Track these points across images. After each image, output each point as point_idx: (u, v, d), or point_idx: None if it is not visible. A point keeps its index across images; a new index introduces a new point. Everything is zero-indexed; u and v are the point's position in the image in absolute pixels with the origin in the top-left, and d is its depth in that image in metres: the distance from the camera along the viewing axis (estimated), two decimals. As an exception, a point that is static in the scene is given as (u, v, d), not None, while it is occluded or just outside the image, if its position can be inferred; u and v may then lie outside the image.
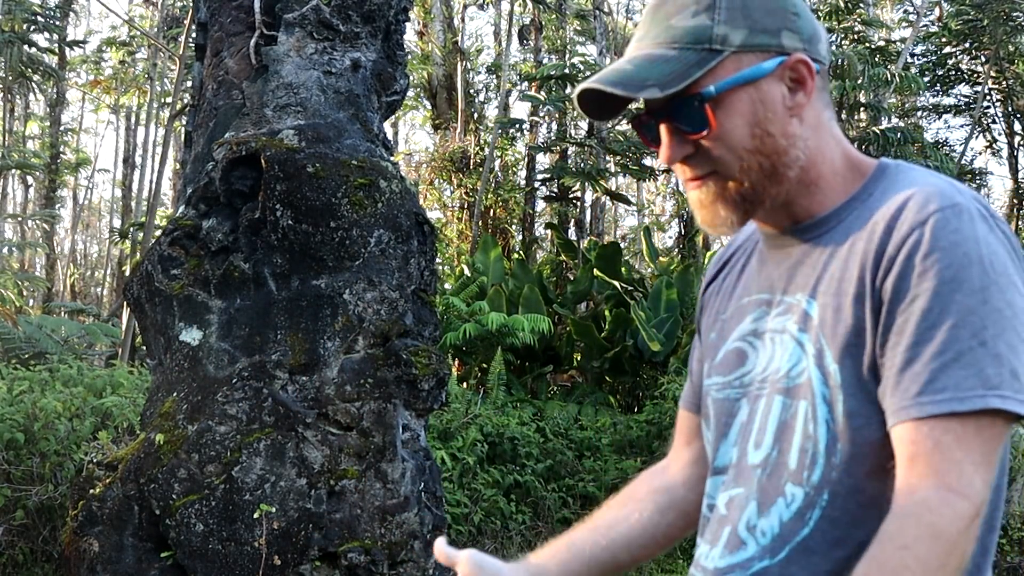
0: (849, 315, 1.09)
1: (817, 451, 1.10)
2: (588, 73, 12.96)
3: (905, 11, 21.48)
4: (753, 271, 1.27)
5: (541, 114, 18.38)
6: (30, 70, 16.84)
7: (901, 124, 14.84)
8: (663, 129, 1.15)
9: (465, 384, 10.25)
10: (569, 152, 17.05)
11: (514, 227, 17.18)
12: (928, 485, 0.99)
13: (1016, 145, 19.51)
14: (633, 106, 1.21)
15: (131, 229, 16.25)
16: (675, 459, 1.44)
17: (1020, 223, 19.01)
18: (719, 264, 1.37)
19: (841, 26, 15.25)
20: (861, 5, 15.25)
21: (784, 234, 1.21)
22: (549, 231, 17.53)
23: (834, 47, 15.21)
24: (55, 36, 18.16)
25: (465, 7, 19.29)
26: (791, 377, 1.14)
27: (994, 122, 19.97)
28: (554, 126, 18.86)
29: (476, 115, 18.21)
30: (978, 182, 20.85)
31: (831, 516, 1.09)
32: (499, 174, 16.92)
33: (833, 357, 1.10)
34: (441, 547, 1.32)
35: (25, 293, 20.04)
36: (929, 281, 1.02)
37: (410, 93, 16.88)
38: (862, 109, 14.79)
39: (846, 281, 1.10)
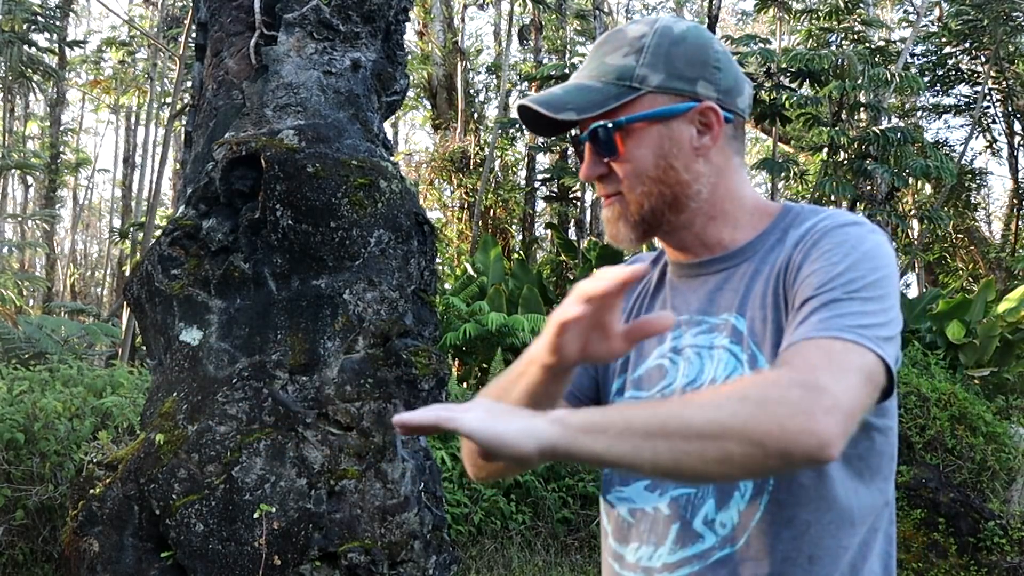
0: (771, 320, 1.24)
1: None
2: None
3: (905, 11, 21.48)
4: (666, 298, 1.39)
5: (541, 114, 18.35)
6: (30, 70, 16.84)
7: (901, 124, 14.83)
8: (587, 150, 1.32)
9: (465, 384, 10.25)
10: (569, 152, 17.06)
11: (514, 227, 17.19)
12: (783, 372, 1.08)
13: (1016, 145, 19.51)
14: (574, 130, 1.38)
15: (131, 229, 16.25)
16: None
17: (1020, 223, 19.00)
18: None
19: (841, 26, 15.25)
20: (861, 5, 15.24)
21: (698, 264, 1.35)
22: (549, 231, 17.54)
23: (834, 47, 15.21)
24: (55, 36, 18.16)
25: (465, 7, 19.29)
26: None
27: (994, 122, 19.97)
28: (554, 126, 18.84)
29: (476, 115, 18.22)
30: (978, 182, 20.85)
31: (778, 499, 1.20)
32: (499, 174, 16.93)
33: (766, 358, 1.23)
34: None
35: (25, 293, 20.04)
36: (820, 254, 1.20)
37: (410, 93, 16.88)
38: (862, 109, 14.79)
39: (768, 295, 1.26)
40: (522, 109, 1.32)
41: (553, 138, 17.42)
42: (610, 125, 1.27)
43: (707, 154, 1.29)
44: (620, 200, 1.30)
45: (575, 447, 1.02)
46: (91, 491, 3.81)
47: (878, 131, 13.18)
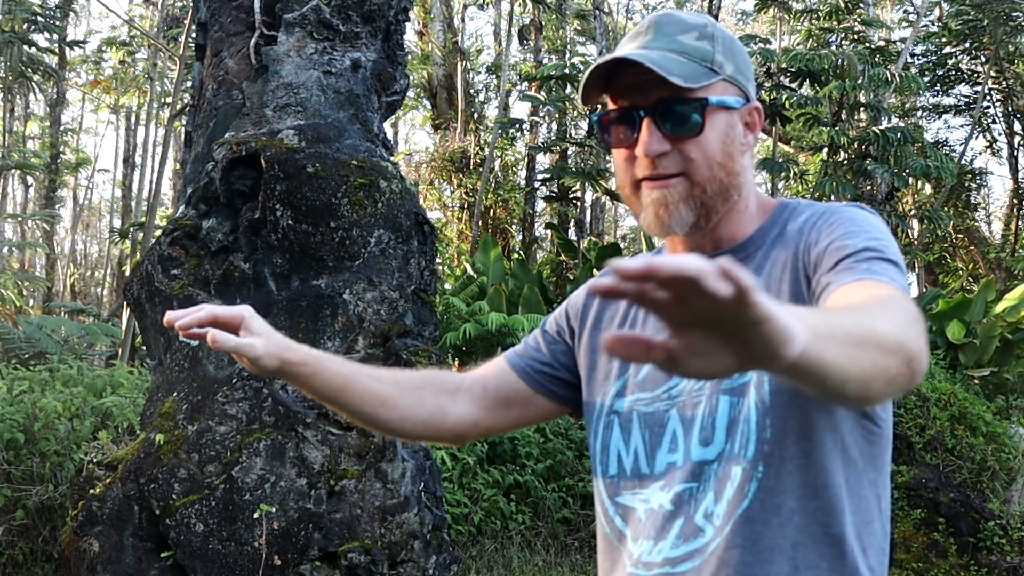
0: None
1: (750, 429, 1.22)
2: (588, 73, 12.88)
3: (905, 11, 21.49)
4: None
5: (541, 114, 18.39)
6: (30, 70, 16.85)
7: (901, 124, 14.83)
8: (646, 124, 1.27)
9: (465, 384, 10.23)
10: (569, 152, 17.07)
11: (514, 227, 17.18)
12: (894, 293, 1.09)
13: (1016, 145, 19.51)
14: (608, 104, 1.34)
15: (131, 229, 16.25)
16: (469, 383, 1.51)
17: (1020, 223, 19.00)
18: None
19: (841, 26, 15.26)
20: (861, 5, 15.24)
21: None
22: (549, 231, 17.53)
23: (834, 47, 15.21)
24: (55, 36, 18.17)
25: (465, 7, 19.29)
26: (733, 378, 1.23)
27: (994, 122, 19.97)
28: (554, 126, 18.88)
29: (476, 115, 18.22)
30: (978, 182, 20.86)
31: (767, 486, 1.20)
32: (499, 174, 16.92)
33: None
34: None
35: (25, 293, 20.04)
36: (835, 226, 1.23)
37: (410, 93, 16.88)
38: (862, 109, 14.79)
39: (773, 286, 1.27)
40: (612, 64, 1.26)
41: (554, 140, 17.43)
42: (704, 102, 1.26)
43: (747, 151, 1.33)
44: (682, 182, 1.27)
45: (815, 354, 0.83)
46: (91, 491, 3.81)
47: (878, 131, 13.17)
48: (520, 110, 24.89)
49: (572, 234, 16.83)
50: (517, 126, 16.30)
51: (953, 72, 18.60)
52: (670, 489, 1.28)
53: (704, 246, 1.33)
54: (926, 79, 17.31)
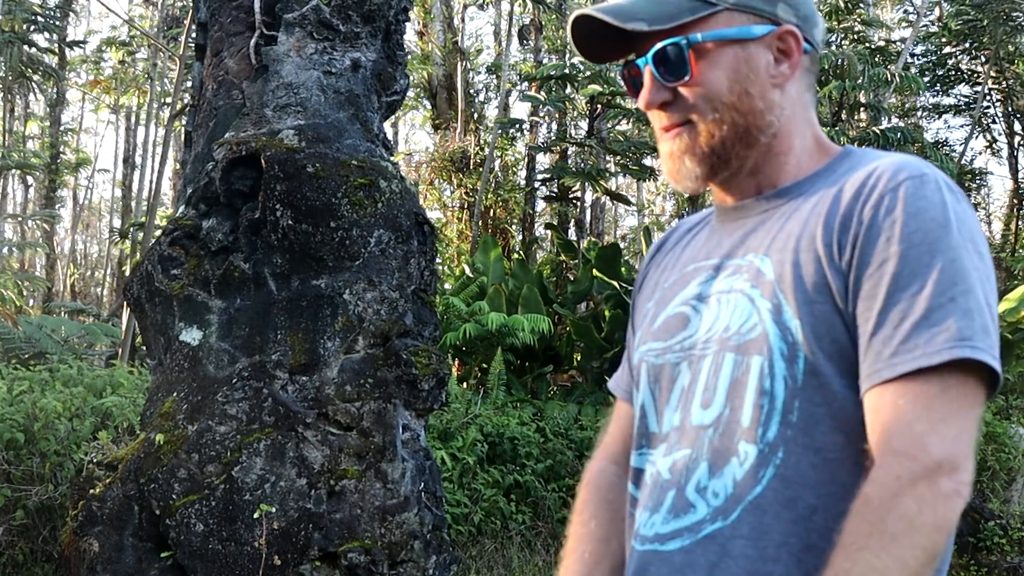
0: (811, 271, 1.08)
1: (774, 408, 1.07)
2: (588, 73, 12.96)
3: (905, 11, 21.49)
4: (701, 241, 1.27)
5: (541, 114, 18.39)
6: (30, 70, 16.86)
7: (901, 124, 14.84)
8: (646, 73, 1.17)
9: (465, 384, 10.25)
10: (569, 152, 17.06)
11: (514, 227, 17.18)
12: (884, 454, 0.97)
13: (1016, 145, 19.51)
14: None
15: (131, 229, 16.26)
16: (609, 454, 1.40)
17: (1020, 223, 19.01)
18: (659, 245, 1.38)
19: (841, 26, 15.26)
20: (861, 5, 15.25)
21: (743, 206, 1.22)
22: (549, 231, 17.53)
23: (834, 47, 15.21)
24: (55, 36, 18.18)
25: (465, 7, 19.28)
26: (742, 333, 1.10)
27: (994, 122, 19.98)
28: (554, 126, 18.88)
29: (476, 115, 18.21)
30: (978, 182, 20.86)
31: (784, 475, 1.06)
32: (499, 174, 16.92)
33: (793, 312, 1.07)
34: None
35: (25, 293, 20.04)
36: (896, 245, 1.03)
37: (410, 93, 16.87)
38: (862, 109, 14.80)
39: (805, 239, 1.10)
40: (581, 21, 1.16)
41: (554, 140, 17.42)
42: (684, 42, 1.13)
43: (783, 84, 1.18)
44: (688, 130, 1.16)
45: None
46: (91, 491, 3.81)
47: (878, 131, 13.17)
48: (520, 110, 24.92)
49: (572, 234, 16.83)
50: (517, 126, 16.30)
51: (953, 72, 18.60)
52: (670, 454, 1.15)
53: (747, 190, 1.21)
54: (926, 79, 17.32)
